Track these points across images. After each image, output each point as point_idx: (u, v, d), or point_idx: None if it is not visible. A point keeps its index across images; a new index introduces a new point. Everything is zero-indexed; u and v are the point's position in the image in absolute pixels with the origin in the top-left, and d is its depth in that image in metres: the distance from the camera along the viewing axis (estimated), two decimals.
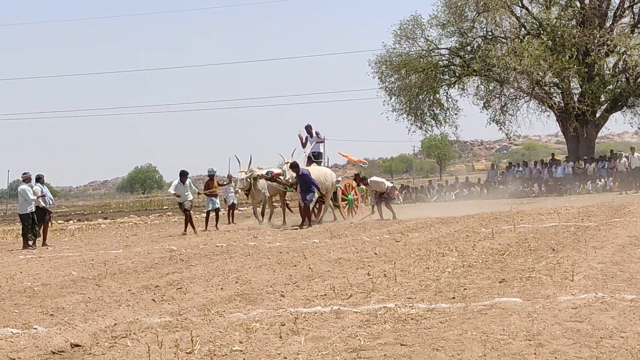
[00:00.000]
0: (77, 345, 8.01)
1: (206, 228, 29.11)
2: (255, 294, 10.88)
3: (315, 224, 26.66)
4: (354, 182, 30.34)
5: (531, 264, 12.35)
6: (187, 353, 7.45)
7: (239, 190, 29.46)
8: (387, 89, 51.24)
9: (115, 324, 9.01)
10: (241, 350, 7.45)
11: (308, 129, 30.62)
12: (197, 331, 8.28)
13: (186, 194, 27.58)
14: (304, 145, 30.37)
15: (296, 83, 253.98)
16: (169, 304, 10.55)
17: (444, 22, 49.21)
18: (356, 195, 30.39)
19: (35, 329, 9.14)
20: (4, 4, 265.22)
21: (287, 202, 31.16)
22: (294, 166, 26.76)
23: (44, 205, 25.15)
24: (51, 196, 26.97)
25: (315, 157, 30.28)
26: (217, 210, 30.23)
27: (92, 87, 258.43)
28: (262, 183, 28.56)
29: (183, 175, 27.56)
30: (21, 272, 15.74)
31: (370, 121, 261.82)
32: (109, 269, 15.19)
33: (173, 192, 27.90)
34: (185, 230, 27.46)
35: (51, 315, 10.20)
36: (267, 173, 28.32)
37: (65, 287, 12.95)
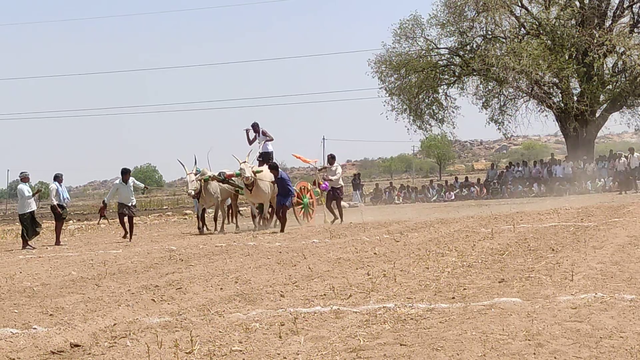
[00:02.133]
0: (77, 345, 8.02)
1: (204, 228, 27.69)
2: (255, 294, 10.88)
3: (263, 229, 25.91)
4: (308, 184, 29.07)
5: (531, 264, 12.36)
6: (186, 353, 7.45)
7: (192, 193, 26.88)
8: (387, 88, 51.30)
9: (114, 324, 9.01)
10: (241, 350, 7.46)
11: (255, 127, 28.85)
12: (196, 331, 8.28)
13: (130, 196, 25.49)
14: (250, 142, 28.75)
15: (296, 83, 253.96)
16: (168, 304, 10.55)
17: (444, 21, 49.25)
18: (311, 198, 28.62)
19: (35, 329, 9.14)
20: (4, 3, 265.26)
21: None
22: (274, 168, 25.57)
23: (57, 203, 25.17)
24: (67, 195, 26.44)
25: (265, 158, 28.37)
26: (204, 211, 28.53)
27: (91, 87, 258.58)
28: (214, 186, 27.05)
29: (124, 173, 25.60)
30: (21, 272, 15.73)
31: (370, 121, 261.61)
32: (109, 269, 15.18)
33: (107, 201, 26.71)
34: (129, 235, 25.40)
35: (51, 315, 10.20)
36: (219, 174, 27.04)
37: (65, 287, 12.95)
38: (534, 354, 6.70)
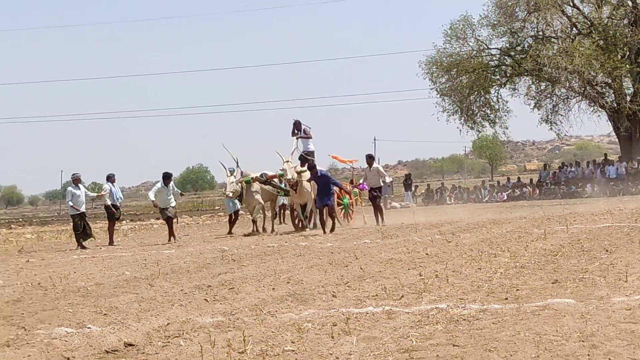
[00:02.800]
0: (131, 345, 8.08)
1: (230, 232, 27.66)
2: (307, 294, 10.90)
3: (308, 230, 25.31)
4: (347, 184, 28.49)
5: (584, 264, 12.26)
6: (239, 353, 7.48)
7: (230, 195, 26.38)
8: (438, 89, 51.13)
9: (168, 324, 9.08)
10: (293, 350, 7.47)
11: (297, 125, 28.06)
12: (249, 331, 8.31)
13: (168, 198, 25.27)
14: (294, 134, 27.87)
15: (348, 84, 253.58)
16: (221, 303, 10.59)
17: (495, 22, 49.01)
18: (351, 199, 28.03)
19: (89, 328, 9.22)
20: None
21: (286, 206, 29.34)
22: (312, 167, 24.81)
23: (111, 203, 25.48)
24: (121, 195, 26.56)
25: (308, 156, 27.25)
26: (236, 212, 28.56)
27: (145, 88, 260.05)
28: (255, 187, 26.41)
29: (167, 177, 25.30)
30: (75, 272, 15.89)
31: (421, 121, 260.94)
32: (162, 269, 15.28)
33: (153, 198, 25.52)
34: (169, 239, 25.03)
35: (105, 314, 10.28)
36: (261, 175, 26.45)
37: (119, 286, 13.05)
38: (588, 355, 6.65)
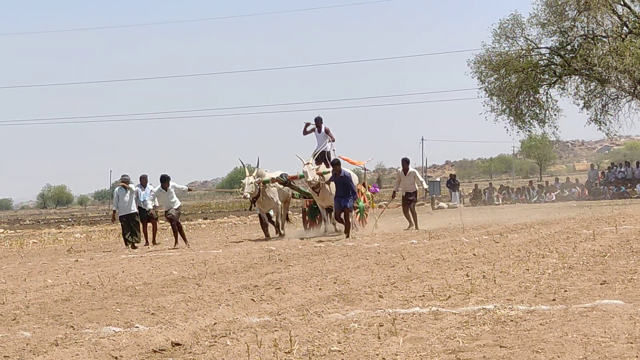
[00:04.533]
0: (178, 344, 8.12)
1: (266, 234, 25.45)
2: (354, 294, 10.90)
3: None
4: (362, 187, 26.86)
5: (633, 265, 12.16)
6: (286, 352, 7.49)
7: (247, 197, 24.83)
8: (487, 89, 50.83)
9: (215, 323, 9.11)
10: (339, 351, 7.47)
11: (318, 121, 26.45)
12: (295, 331, 8.33)
13: (172, 200, 24.27)
14: (305, 132, 26.58)
15: (395, 84, 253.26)
16: (267, 303, 10.62)
17: (544, 21, 48.59)
18: (365, 201, 26.87)
19: (137, 327, 9.28)
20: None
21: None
22: (336, 163, 23.55)
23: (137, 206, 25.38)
24: (146, 198, 25.33)
25: (322, 157, 26.09)
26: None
27: (191, 88, 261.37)
28: (273, 189, 25.21)
29: (164, 180, 24.09)
30: (123, 272, 15.98)
31: (469, 121, 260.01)
32: (209, 269, 15.34)
33: (151, 206, 24.69)
34: (176, 242, 24.13)
35: (152, 314, 10.34)
36: (282, 176, 25.19)
37: (166, 286, 13.12)
38: (637, 357, 6.59)
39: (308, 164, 24.24)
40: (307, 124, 26.56)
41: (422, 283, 11.63)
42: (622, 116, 50.29)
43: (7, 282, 15.34)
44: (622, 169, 51.84)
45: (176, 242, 24.09)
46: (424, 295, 10.46)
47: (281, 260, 16.34)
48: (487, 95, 50.75)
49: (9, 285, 14.64)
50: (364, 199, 26.72)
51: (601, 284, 10.55)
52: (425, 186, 27.20)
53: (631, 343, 7.01)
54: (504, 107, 50.69)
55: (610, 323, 7.78)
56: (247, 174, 25.18)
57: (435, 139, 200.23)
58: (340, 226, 23.97)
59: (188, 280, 13.70)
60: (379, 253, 16.58)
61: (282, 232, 25.61)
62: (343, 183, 23.02)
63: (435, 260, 14.46)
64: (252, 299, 11.01)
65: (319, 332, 8.31)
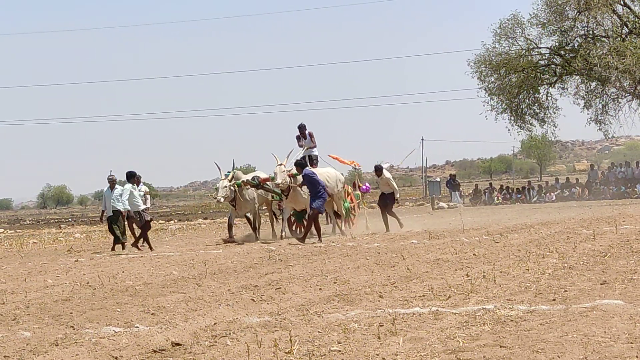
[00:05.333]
0: (178, 344, 8.12)
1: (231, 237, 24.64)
2: (354, 294, 10.91)
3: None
4: (349, 187, 26.36)
5: (633, 265, 12.17)
6: (286, 352, 7.50)
7: (221, 200, 24.27)
8: (487, 88, 50.83)
9: (215, 323, 9.11)
10: (339, 351, 7.47)
11: (301, 129, 25.97)
12: (295, 331, 8.33)
13: (137, 202, 22.88)
14: (300, 145, 25.85)
15: (395, 84, 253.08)
16: (268, 303, 10.62)
17: (545, 21, 48.60)
18: (352, 202, 26.10)
19: (137, 327, 9.29)
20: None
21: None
22: (300, 165, 23.02)
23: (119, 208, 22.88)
24: (124, 199, 22.92)
25: (311, 161, 25.36)
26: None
27: (191, 88, 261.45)
28: (250, 192, 24.44)
29: (131, 177, 23.13)
30: (123, 272, 15.99)
31: (469, 121, 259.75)
32: (209, 269, 15.34)
33: (128, 207, 22.67)
34: (136, 243, 22.84)
35: (152, 314, 10.34)
36: (253, 179, 24.37)
37: (166, 286, 13.13)
38: (637, 357, 6.59)
39: (281, 165, 23.37)
40: (298, 137, 25.96)
41: (422, 283, 11.64)
42: (622, 116, 50.31)
43: (7, 282, 15.34)
44: (622, 169, 51.83)
45: (136, 242, 22.86)
46: (424, 295, 10.47)
47: (281, 260, 16.36)
48: (487, 94, 50.77)
49: (9, 285, 14.65)
50: (351, 199, 26.16)
51: (601, 284, 10.56)
52: (397, 196, 25.86)
53: (631, 343, 7.01)
54: (504, 106, 50.72)
55: (610, 323, 7.78)
56: (222, 177, 24.34)
57: (435, 139, 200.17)
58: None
59: (188, 280, 13.71)
60: (379, 253, 16.59)
61: (257, 235, 25.02)
62: (308, 182, 22.49)
63: (435, 260, 14.47)
64: (252, 299, 11.02)
65: (319, 332, 8.31)
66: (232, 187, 23.95)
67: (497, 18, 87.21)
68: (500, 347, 7.17)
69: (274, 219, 26.24)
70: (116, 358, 7.79)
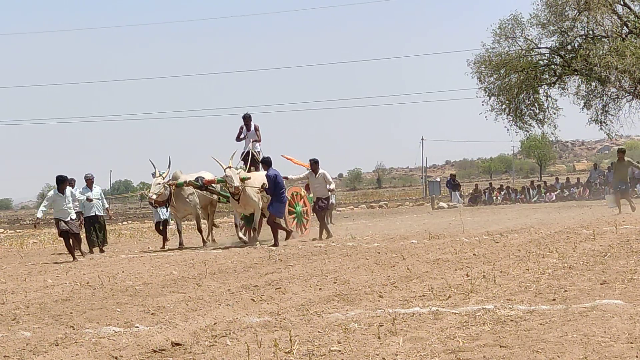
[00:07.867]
0: (178, 344, 8.12)
1: (164, 246, 24.13)
2: (354, 294, 10.91)
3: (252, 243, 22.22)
4: (302, 190, 24.98)
5: (633, 265, 12.16)
6: (286, 352, 7.50)
7: (153, 198, 22.39)
8: (487, 89, 50.83)
9: (215, 323, 9.12)
10: (339, 351, 7.48)
11: (246, 119, 24.24)
12: (295, 331, 8.33)
13: (65, 208, 20.56)
14: (239, 138, 24.44)
15: (395, 84, 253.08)
16: (267, 303, 10.62)
17: (544, 21, 48.59)
18: (305, 206, 24.58)
19: (137, 327, 9.29)
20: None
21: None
22: (266, 162, 22.11)
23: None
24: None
25: (251, 159, 23.77)
26: (165, 223, 24.80)
27: (191, 88, 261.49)
28: (188, 192, 22.92)
29: (61, 182, 20.79)
30: (123, 272, 16.00)
31: (469, 121, 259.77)
32: (209, 269, 15.35)
33: (40, 215, 21.46)
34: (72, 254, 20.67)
35: (152, 314, 10.35)
36: (197, 179, 22.86)
37: (166, 286, 13.13)
38: (637, 357, 6.59)
39: (229, 167, 21.81)
40: (241, 128, 24.44)
41: (422, 283, 11.63)
42: (622, 116, 50.33)
43: (7, 282, 15.36)
44: None
45: (73, 253, 20.73)
46: (424, 295, 10.46)
47: (281, 260, 16.36)
48: (487, 95, 50.78)
49: (9, 285, 14.67)
50: (304, 203, 24.64)
51: (601, 284, 10.55)
52: (332, 187, 23.41)
53: (631, 343, 7.01)
54: (504, 106, 50.73)
55: (610, 323, 7.78)
56: (156, 174, 22.76)
57: (435, 139, 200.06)
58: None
59: (188, 280, 13.72)
60: (379, 253, 16.59)
61: (206, 240, 23.90)
62: (272, 183, 21.62)
63: (435, 260, 14.47)
64: (252, 299, 11.02)
65: (318, 332, 8.31)
66: (166, 185, 22.53)
67: (497, 18, 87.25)
68: (500, 347, 7.18)
69: (213, 225, 25.29)
70: (116, 358, 7.80)
